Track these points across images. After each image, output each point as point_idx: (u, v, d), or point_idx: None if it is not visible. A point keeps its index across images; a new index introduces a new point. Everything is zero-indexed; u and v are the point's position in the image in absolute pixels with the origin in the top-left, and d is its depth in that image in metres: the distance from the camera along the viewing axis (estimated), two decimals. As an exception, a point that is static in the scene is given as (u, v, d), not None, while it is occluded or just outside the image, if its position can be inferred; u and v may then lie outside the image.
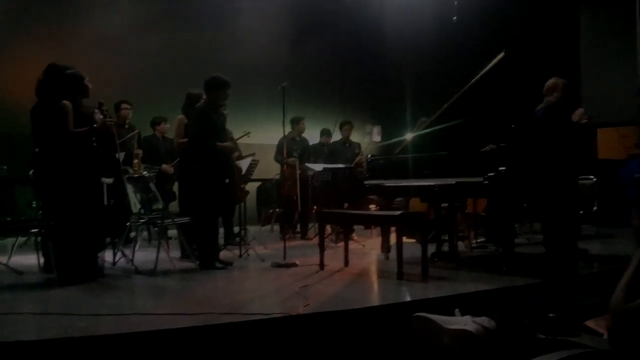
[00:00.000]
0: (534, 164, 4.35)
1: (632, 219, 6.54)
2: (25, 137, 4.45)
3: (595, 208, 6.50)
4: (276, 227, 8.11)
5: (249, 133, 5.56)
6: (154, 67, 8.25)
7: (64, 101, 4.03)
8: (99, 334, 2.57)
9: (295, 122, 7.15)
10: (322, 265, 4.47)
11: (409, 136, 5.46)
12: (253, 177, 6.59)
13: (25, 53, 7.15)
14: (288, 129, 6.14)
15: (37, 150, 4.20)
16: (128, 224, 5.44)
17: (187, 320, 2.79)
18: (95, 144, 4.14)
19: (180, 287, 4.05)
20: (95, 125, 4.11)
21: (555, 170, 4.56)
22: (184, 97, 5.45)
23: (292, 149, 6.84)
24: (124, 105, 6.56)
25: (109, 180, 4.67)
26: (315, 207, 6.77)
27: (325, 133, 7.56)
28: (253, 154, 6.27)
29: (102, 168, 4.27)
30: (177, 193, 5.76)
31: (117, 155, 4.49)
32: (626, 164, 7.48)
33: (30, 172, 4.90)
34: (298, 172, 6.50)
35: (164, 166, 6.53)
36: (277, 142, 7.04)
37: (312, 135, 7.67)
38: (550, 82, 5.03)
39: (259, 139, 6.87)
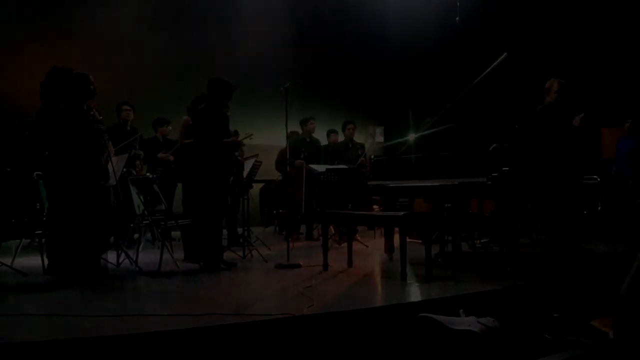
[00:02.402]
0: (536, 163, 4.34)
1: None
2: (31, 139, 4.46)
3: (599, 208, 6.48)
4: (279, 228, 8.12)
5: (251, 135, 5.58)
6: (159, 68, 8.28)
7: (63, 104, 4.06)
8: (103, 335, 2.57)
9: (304, 122, 7.15)
10: (325, 266, 4.47)
11: (412, 137, 5.45)
12: (256, 178, 6.60)
13: (32, 55, 7.18)
14: (291, 129, 6.13)
15: (47, 153, 4.19)
16: (131, 225, 5.45)
17: (191, 321, 2.79)
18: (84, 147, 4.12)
19: (184, 288, 4.05)
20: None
21: (557, 170, 4.55)
22: (189, 98, 5.47)
23: (301, 150, 6.84)
24: (124, 107, 6.58)
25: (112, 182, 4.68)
26: (318, 208, 6.77)
27: (333, 132, 7.57)
28: (256, 155, 6.28)
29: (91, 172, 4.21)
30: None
31: (103, 158, 4.43)
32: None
33: (34, 174, 4.91)
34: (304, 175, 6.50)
35: (161, 154, 6.53)
36: (279, 144, 7.00)
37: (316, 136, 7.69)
38: (548, 83, 5.06)
39: (261, 140, 6.87)
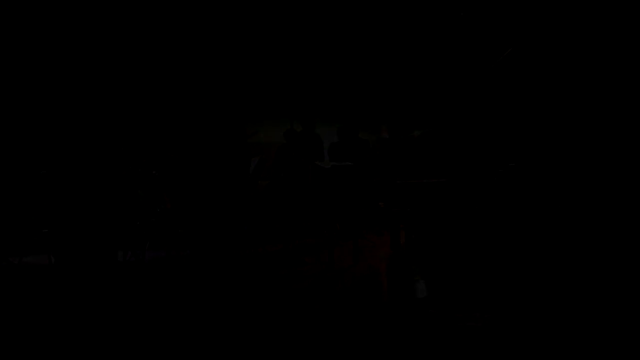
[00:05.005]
0: (541, 160, 4.31)
1: None
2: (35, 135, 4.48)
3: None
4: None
5: (257, 132, 5.56)
6: (159, 65, 8.26)
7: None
8: (111, 330, 2.59)
9: (302, 118, 7.10)
10: (331, 262, 4.46)
11: (417, 134, 5.44)
12: (262, 175, 6.58)
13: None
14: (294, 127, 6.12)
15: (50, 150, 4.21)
16: (137, 222, 5.46)
17: (194, 317, 2.80)
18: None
19: (189, 284, 4.06)
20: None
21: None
22: (190, 96, 5.47)
23: (304, 148, 6.81)
24: (127, 105, 6.58)
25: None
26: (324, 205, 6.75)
27: (342, 129, 7.54)
28: (262, 153, 6.27)
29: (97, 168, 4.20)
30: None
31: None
32: None
33: (40, 172, 4.93)
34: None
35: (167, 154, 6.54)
36: (283, 141, 6.96)
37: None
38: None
39: (267, 137, 6.86)
